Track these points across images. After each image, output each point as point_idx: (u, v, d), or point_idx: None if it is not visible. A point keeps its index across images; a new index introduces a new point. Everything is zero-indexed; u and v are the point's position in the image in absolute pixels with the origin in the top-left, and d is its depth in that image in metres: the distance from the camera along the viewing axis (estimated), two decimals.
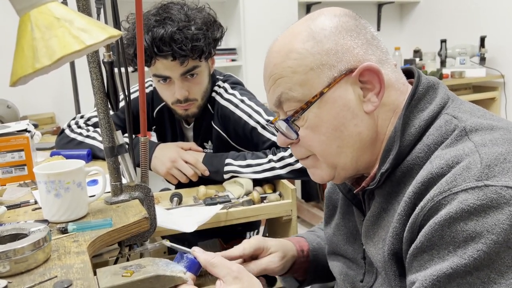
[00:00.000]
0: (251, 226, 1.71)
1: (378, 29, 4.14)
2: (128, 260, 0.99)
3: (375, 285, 0.77)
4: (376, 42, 0.74)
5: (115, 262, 1.02)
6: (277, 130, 0.78)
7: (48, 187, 0.91)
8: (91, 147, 1.51)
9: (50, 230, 0.81)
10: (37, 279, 0.71)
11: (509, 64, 3.44)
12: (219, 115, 1.51)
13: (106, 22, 1.16)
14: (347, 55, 0.71)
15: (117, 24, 0.98)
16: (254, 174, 1.40)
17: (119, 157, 0.99)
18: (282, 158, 1.39)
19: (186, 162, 1.44)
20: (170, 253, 1.43)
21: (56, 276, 0.72)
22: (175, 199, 1.37)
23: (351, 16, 0.74)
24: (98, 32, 0.68)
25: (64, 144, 1.55)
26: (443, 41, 3.54)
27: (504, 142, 0.62)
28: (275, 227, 1.48)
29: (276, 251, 0.91)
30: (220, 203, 1.31)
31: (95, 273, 0.72)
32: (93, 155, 1.51)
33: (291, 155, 1.38)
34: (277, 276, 0.97)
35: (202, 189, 1.39)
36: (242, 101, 1.49)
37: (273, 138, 1.44)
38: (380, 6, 4.10)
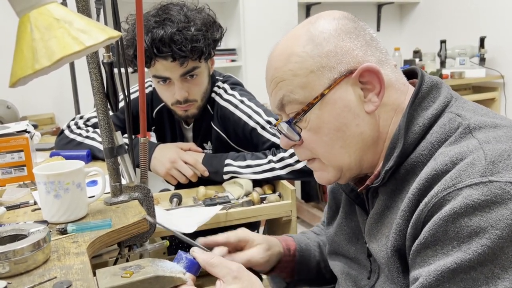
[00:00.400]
0: (251, 227, 1.71)
1: (378, 30, 4.15)
2: (127, 260, 0.99)
3: (378, 282, 0.77)
4: (375, 43, 0.75)
5: (115, 263, 1.02)
6: (280, 132, 0.79)
7: (48, 187, 0.91)
8: (91, 147, 1.51)
9: (50, 231, 0.81)
10: (36, 280, 0.71)
11: (509, 64, 3.44)
12: (219, 116, 1.51)
13: (106, 23, 1.16)
14: (347, 57, 0.72)
15: (117, 25, 0.98)
16: (253, 174, 1.40)
17: (119, 157, 0.99)
18: (282, 159, 1.39)
19: (186, 163, 1.44)
20: (170, 253, 1.43)
21: (55, 277, 0.72)
22: (175, 199, 1.37)
23: (350, 19, 0.75)
24: (97, 33, 0.68)
25: (64, 144, 1.55)
26: (443, 42, 3.55)
27: (508, 139, 0.63)
28: (275, 227, 1.48)
29: (261, 243, 0.92)
30: (220, 203, 1.31)
31: (94, 274, 0.72)
32: (92, 156, 1.51)
33: (291, 156, 1.38)
34: (264, 276, 0.97)
35: (201, 189, 1.39)
36: (242, 101, 1.49)
37: (273, 139, 1.44)
38: (380, 6, 4.10)
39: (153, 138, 1.73)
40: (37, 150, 1.60)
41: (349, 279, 0.86)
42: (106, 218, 0.94)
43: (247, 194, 1.37)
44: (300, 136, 0.76)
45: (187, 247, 0.84)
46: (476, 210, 0.57)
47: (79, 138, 1.54)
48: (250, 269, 0.82)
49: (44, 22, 0.66)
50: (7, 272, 0.72)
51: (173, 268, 0.75)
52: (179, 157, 1.45)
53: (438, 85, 0.74)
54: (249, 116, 1.46)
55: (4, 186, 1.27)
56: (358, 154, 0.74)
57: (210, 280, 1.21)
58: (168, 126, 1.61)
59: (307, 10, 3.75)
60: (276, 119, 1.42)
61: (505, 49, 3.45)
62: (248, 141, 1.48)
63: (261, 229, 1.68)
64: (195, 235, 1.17)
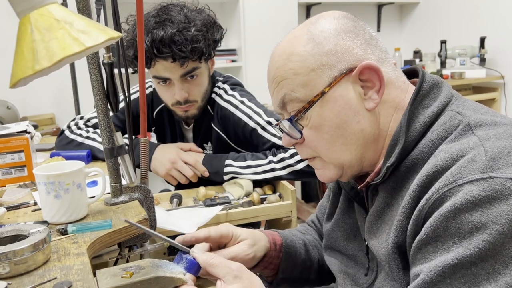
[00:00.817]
0: (251, 227, 1.71)
1: (378, 30, 4.15)
2: (127, 261, 0.99)
3: (378, 280, 0.77)
4: (375, 42, 0.76)
5: (115, 263, 1.02)
6: (282, 130, 0.80)
7: (48, 188, 0.92)
8: (91, 148, 1.51)
9: (50, 232, 0.81)
10: (36, 281, 0.71)
11: (509, 65, 3.44)
12: (219, 116, 1.51)
13: (106, 24, 1.16)
14: (347, 55, 0.73)
15: (117, 26, 0.98)
16: (254, 175, 1.40)
17: (119, 158, 0.99)
18: (282, 159, 1.39)
19: (186, 163, 1.44)
20: (170, 254, 1.43)
21: (55, 278, 0.72)
22: (175, 200, 1.37)
23: (350, 18, 0.76)
24: (98, 34, 0.68)
25: (64, 145, 1.55)
26: (443, 42, 3.55)
27: (508, 136, 0.64)
28: (275, 228, 1.47)
29: (245, 239, 0.89)
30: (220, 204, 1.31)
31: (94, 274, 0.72)
32: (92, 156, 1.51)
33: (291, 156, 1.38)
34: None
35: (202, 190, 1.39)
36: (242, 102, 1.49)
37: (273, 139, 1.44)
38: (380, 7, 4.10)
39: (153, 138, 1.73)
40: (37, 150, 1.60)
41: (347, 277, 0.86)
42: (106, 218, 0.94)
43: (247, 195, 1.37)
44: (301, 134, 0.76)
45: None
46: (477, 206, 0.57)
47: (79, 139, 1.54)
48: None
49: (44, 23, 0.66)
50: (7, 272, 0.72)
51: (173, 269, 0.75)
52: (179, 157, 1.45)
53: (439, 84, 0.75)
54: (249, 117, 1.46)
55: (4, 186, 1.27)
56: (359, 151, 0.75)
57: (210, 281, 1.21)
58: (168, 127, 1.61)
59: (307, 10, 3.75)
60: (277, 120, 1.42)
61: (505, 50, 3.45)
62: (248, 142, 1.48)
63: (261, 229, 1.68)
64: None
